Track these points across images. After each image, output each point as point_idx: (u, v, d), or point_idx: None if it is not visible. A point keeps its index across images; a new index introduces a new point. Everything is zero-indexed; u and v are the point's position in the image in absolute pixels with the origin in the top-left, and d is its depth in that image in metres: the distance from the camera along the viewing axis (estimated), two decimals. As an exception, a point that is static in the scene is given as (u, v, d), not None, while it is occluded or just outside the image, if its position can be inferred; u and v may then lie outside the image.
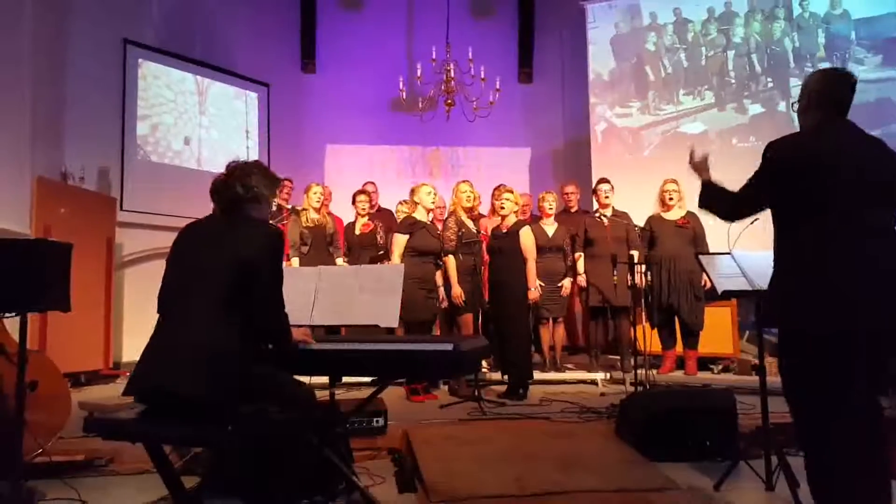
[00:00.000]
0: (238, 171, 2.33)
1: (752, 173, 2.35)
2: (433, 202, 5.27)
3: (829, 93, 2.31)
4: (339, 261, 5.78)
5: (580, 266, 5.89)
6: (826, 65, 7.08)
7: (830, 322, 2.12)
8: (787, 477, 2.63)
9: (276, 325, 2.27)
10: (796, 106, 2.43)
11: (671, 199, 5.68)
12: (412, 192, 5.38)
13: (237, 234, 2.22)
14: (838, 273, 2.12)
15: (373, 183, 6.83)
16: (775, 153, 2.28)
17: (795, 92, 7.13)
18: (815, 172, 2.20)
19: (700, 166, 2.60)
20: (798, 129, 2.44)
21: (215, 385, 2.02)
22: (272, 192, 2.41)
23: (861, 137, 2.28)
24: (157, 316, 2.25)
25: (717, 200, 2.50)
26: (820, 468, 2.18)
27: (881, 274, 2.10)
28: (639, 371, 4.75)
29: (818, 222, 2.18)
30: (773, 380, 2.45)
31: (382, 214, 6.54)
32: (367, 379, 4.87)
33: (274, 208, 5.76)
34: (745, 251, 3.02)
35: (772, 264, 2.34)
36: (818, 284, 2.14)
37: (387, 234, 6.02)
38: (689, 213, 5.65)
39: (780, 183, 2.25)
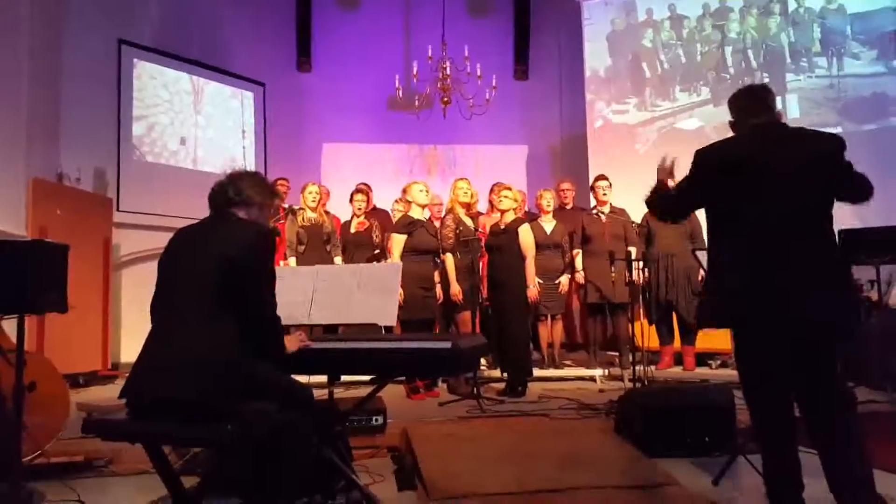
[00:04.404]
0: (233, 177, 2.36)
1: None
2: (427, 199, 5.26)
3: (755, 100, 2.45)
4: (338, 259, 5.78)
5: (578, 263, 5.89)
6: (822, 60, 7.11)
7: (749, 318, 2.25)
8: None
9: (267, 325, 2.25)
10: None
11: (668, 195, 5.68)
12: (404, 190, 5.37)
13: (223, 234, 2.22)
14: (751, 271, 2.23)
15: (365, 184, 6.81)
16: (700, 157, 2.41)
17: (792, 87, 7.17)
18: (734, 174, 2.30)
19: (666, 172, 2.70)
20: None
21: (212, 388, 2.02)
22: (265, 200, 2.40)
23: (792, 135, 2.37)
24: (154, 316, 2.25)
25: (660, 202, 2.64)
26: (764, 462, 2.32)
27: (794, 271, 2.18)
28: (637, 367, 4.76)
29: (738, 222, 2.29)
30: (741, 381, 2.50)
31: (377, 214, 6.54)
32: (366, 378, 4.87)
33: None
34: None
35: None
36: (734, 283, 2.27)
37: (382, 234, 6.02)
38: (686, 209, 5.64)
39: (705, 185, 2.38)
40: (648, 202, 2.67)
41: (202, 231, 2.30)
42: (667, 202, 2.61)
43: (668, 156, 2.72)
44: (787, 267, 2.17)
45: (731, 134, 2.59)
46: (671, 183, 2.62)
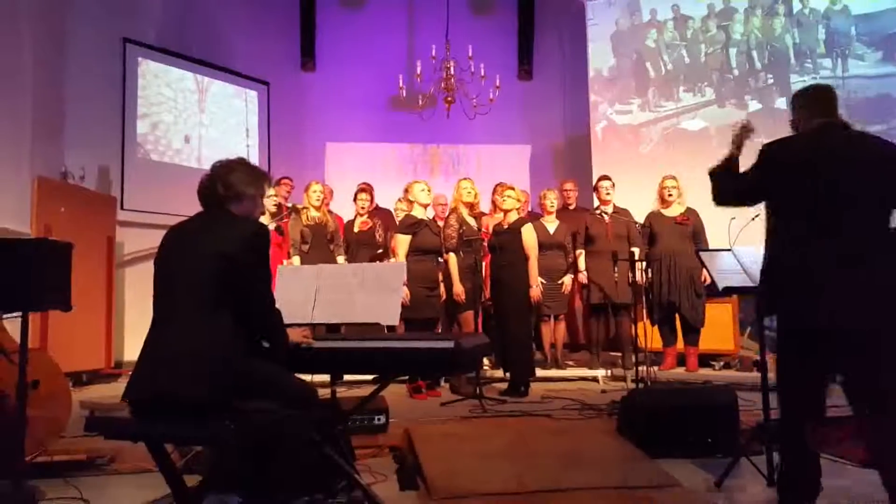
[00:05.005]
0: (220, 170, 2.32)
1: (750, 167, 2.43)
2: (429, 198, 5.27)
3: (820, 99, 2.43)
4: (341, 259, 5.78)
5: (581, 263, 5.89)
6: (827, 61, 7.09)
7: (799, 319, 2.23)
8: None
9: (268, 321, 2.25)
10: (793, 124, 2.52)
11: (670, 195, 5.67)
12: (406, 190, 5.38)
13: (218, 232, 2.20)
14: (807, 273, 2.20)
15: (368, 183, 6.81)
16: (767, 151, 2.37)
17: (796, 88, 7.11)
18: (799, 172, 2.27)
19: (738, 139, 2.62)
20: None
21: (213, 384, 2.02)
22: (257, 188, 2.36)
23: (855, 139, 2.34)
24: (157, 315, 2.25)
25: (723, 179, 2.55)
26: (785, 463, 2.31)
27: (848, 275, 2.15)
28: (640, 368, 4.76)
29: (799, 219, 2.26)
30: (774, 376, 2.48)
31: (380, 213, 6.54)
32: (369, 377, 4.88)
33: (274, 208, 5.78)
34: (745, 247, 3.02)
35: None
36: (791, 283, 2.24)
37: (385, 233, 6.02)
38: (689, 210, 5.64)
39: (769, 180, 2.34)
40: (713, 172, 2.58)
41: (197, 228, 2.28)
42: (730, 183, 2.52)
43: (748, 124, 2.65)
44: (841, 269, 2.16)
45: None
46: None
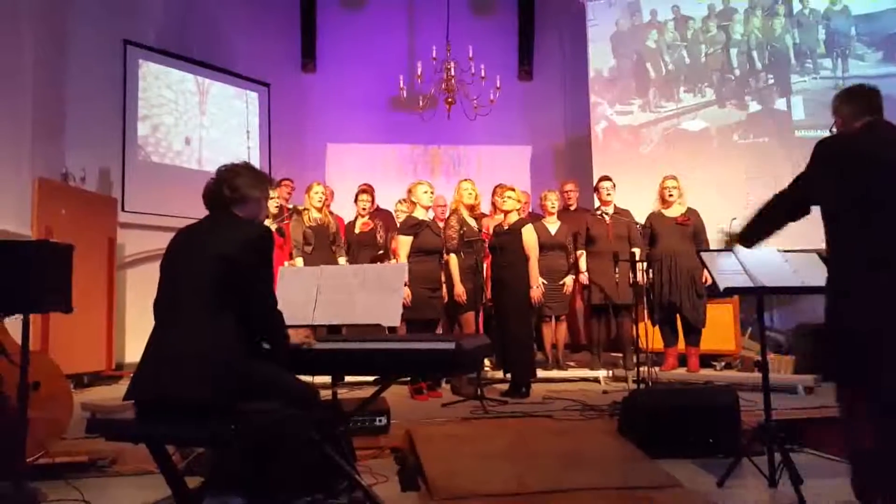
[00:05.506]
0: (226, 174, 2.35)
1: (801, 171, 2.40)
2: (431, 200, 5.27)
3: (865, 98, 2.40)
4: (342, 260, 5.78)
5: (582, 264, 5.89)
6: (827, 61, 7.09)
7: (833, 320, 2.16)
8: (789, 473, 2.63)
9: (270, 324, 2.27)
10: (835, 130, 2.50)
11: (671, 195, 5.66)
12: (409, 191, 5.38)
13: (221, 234, 2.23)
14: (838, 276, 2.17)
15: (368, 184, 6.82)
16: (822, 149, 2.34)
17: (797, 88, 7.15)
18: (836, 176, 2.26)
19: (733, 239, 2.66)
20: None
21: (215, 386, 2.02)
22: (262, 192, 2.40)
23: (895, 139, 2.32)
24: (158, 317, 2.25)
25: (759, 225, 2.55)
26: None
27: (873, 278, 2.13)
28: (641, 368, 4.76)
29: (836, 222, 2.25)
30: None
31: (382, 214, 6.54)
32: (370, 378, 4.88)
33: (275, 209, 5.78)
34: (746, 248, 3.02)
35: (773, 261, 2.36)
36: (827, 285, 2.23)
37: (386, 234, 6.02)
38: (690, 210, 5.63)
39: (826, 178, 2.31)
40: (752, 242, 2.61)
41: (202, 231, 2.31)
42: (784, 203, 2.50)
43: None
44: (868, 273, 2.14)
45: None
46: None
